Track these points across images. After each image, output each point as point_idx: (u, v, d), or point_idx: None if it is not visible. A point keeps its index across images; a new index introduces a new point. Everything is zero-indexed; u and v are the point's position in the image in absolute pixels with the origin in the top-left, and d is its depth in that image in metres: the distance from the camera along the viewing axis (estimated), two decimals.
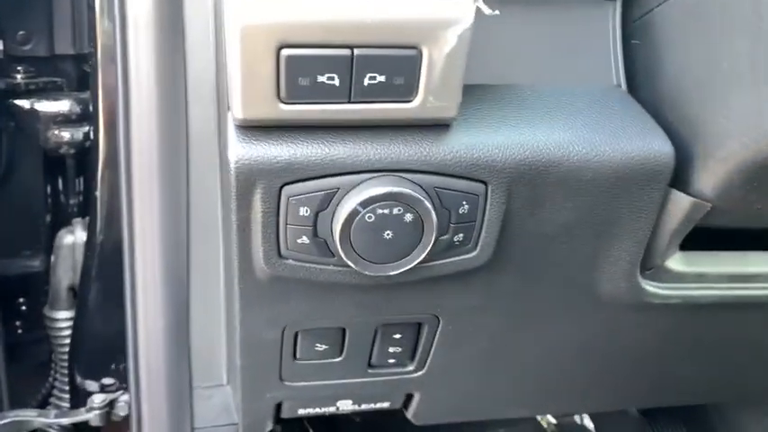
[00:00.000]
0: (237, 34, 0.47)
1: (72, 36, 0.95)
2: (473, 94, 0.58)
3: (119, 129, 0.66)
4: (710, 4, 0.56)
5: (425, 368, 0.74)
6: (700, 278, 0.70)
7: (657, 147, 0.58)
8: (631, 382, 0.86)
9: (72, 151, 0.93)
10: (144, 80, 0.62)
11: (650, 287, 0.69)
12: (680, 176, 0.60)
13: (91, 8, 0.81)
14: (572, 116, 0.59)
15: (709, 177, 0.58)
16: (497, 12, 0.52)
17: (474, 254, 0.60)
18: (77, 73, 0.97)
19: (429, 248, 0.56)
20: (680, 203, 0.61)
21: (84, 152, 0.95)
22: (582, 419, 1.37)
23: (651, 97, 0.62)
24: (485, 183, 0.56)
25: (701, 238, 0.68)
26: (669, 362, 0.83)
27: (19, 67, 0.91)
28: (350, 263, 0.55)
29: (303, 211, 0.54)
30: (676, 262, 0.69)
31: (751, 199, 0.61)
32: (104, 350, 0.94)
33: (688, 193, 0.61)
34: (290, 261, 0.57)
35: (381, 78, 0.50)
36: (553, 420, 1.34)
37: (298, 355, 0.69)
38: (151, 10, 0.60)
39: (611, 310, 0.71)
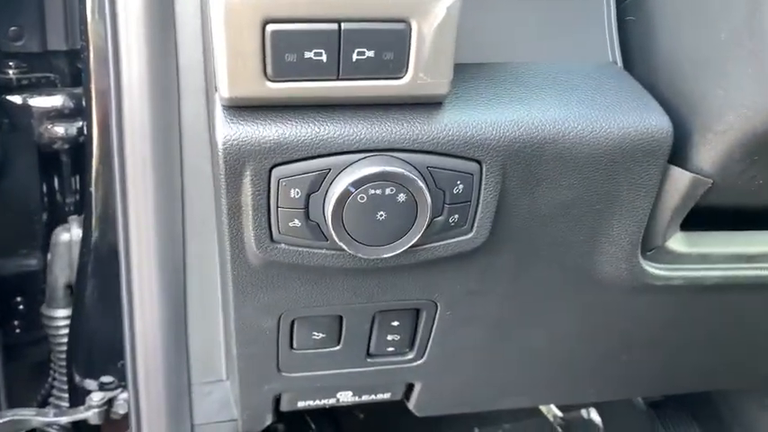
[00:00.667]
0: (221, 10, 0.46)
1: (64, 32, 0.94)
2: (466, 72, 0.57)
3: (111, 123, 0.65)
4: None
5: (425, 356, 0.72)
6: (702, 258, 0.69)
7: (655, 122, 0.57)
8: (635, 368, 0.84)
9: (66, 146, 0.93)
10: (135, 74, 0.62)
11: (652, 268, 0.67)
12: (679, 152, 0.59)
13: (82, 3, 0.80)
14: (567, 92, 0.58)
15: (709, 152, 0.57)
16: None
17: (470, 235, 0.59)
18: (70, 68, 0.96)
19: (423, 230, 0.55)
20: (679, 180, 0.60)
21: (79, 148, 0.95)
22: (589, 413, 1.36)
23: (647, 73, 0.61)
24: (479, 162, 0.55)
25: (701, 219, 0.67)
26: (673, 347, 0.82)
27: (11, 63, 0.91)
28: (343, 245, 0.54)
29: (294, 192, 0.53)
30: (678, 242, 0.68)
31: (751, 173, 0.60)
32: (102, 348, 0.93)
33: (687, 170, 0.60)
34: (283, 245, 0.56)
35: (370, 53, 0.49)
36: (559, 413, 1.32)
37: (295, 345, 0.68)
38: (141, 3, 0.60)
39: (612, 292, 0.70)
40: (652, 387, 0.95)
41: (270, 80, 0.49)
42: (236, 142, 0.51)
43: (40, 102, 0.90)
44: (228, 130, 0.51)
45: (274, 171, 0.52)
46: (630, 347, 0.80)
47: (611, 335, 0.77)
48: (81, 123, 0.91)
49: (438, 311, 0.68)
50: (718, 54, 0.55)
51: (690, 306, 0.74)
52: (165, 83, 0.62)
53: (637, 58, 0.62)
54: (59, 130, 0.91)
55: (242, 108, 0.51)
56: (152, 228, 0.68)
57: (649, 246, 0.67)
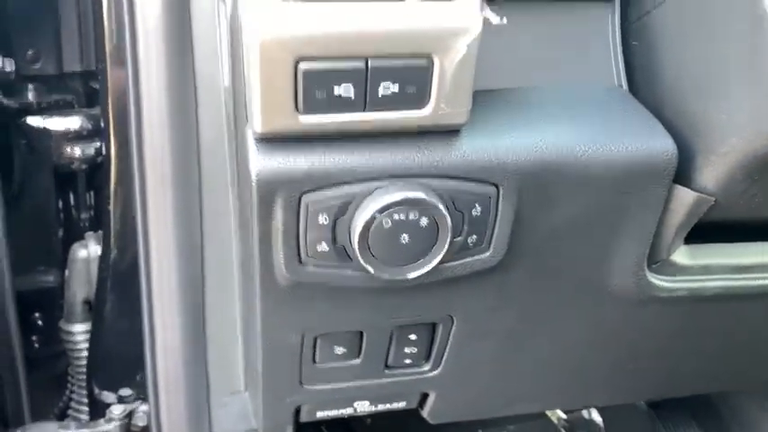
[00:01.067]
0: (257, 49, 0.48)
1: (79, 53, 0.96)
2: (481, 98, 0.60)
3: (131, 143, 0.67)
4: (709, 5, 0.58)
5: (441, 367, 0.75)
6: (704, 270, 0.72)
7: (660, 145, 0.60)
8: (641, 374, 0.87)
9: (84, 167, 0.95)
10: (155, 94, 0.64)
11: (657, 280, 0.71)
12: (683, 172, 0.62)
13: (98, 24, 0.82)
14: (577, 117, 0.61)
15: (712, 172, 0.60)
16: (505, 20, 0.53)
17: (487, 254, 0.62)
18: (86, 89, 0.98)
19: (444, 251, 0.58)
20: (684, 199, 0.63)
21: (96, 167, 0.97)
22: (590, 413, 1.39)
23: (652, 96, 0.64)
24: (496, 185, 0.58)
25: (703, 231, 0.70)
26: (677, 353, 0.85)
27: (30, 86, 0.93)
28: (368, 267, 0.57)
29: (322, 218, 0.56)
30: (681, 255, 0.71)
31: (752, 192, 0.63)
32: (122, 361, 0.96)
33: (691, 189, 0.63)
34: (311, 267, 0.59)
35: (395, 88, 0.52)
36: (563, 415, 1.35)
37: (317, 359, 0.71)
38: (160, 25, 0.62)
39: (620, 303, 0.73)
40: (656, 391, 0.98)
41: (301, 114, 0.52)
42: (268, 173, 0.53)
43: (58, 124, 0.92)
44: (262, 162, 0.53)
45: (303, 198, 0.55)
46: (637, 355, 0.83)
47: (618, 343, 0.80)
48: (99, 143, 0.94)
49: (454, 325, 0.71)
50: (721, 79, 0.58)
51: (693, 315, 0.77)
52: (184, 102, 0.65)
53: (641, 81, 0.65)
54: (77, 151, 0.93)
55: (273, 140, 0.54)
56: (171, 242, 0.70)
57: (655, 259, 0.70)
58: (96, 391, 0.98)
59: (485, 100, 0.61)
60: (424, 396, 0.82)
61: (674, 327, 0.79)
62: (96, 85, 0.97)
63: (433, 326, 0.71)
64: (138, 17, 0.62)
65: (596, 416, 1.39)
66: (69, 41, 0.96)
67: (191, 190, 0.69)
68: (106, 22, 0.79)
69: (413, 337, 0.72)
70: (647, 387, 0.93)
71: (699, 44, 0.59)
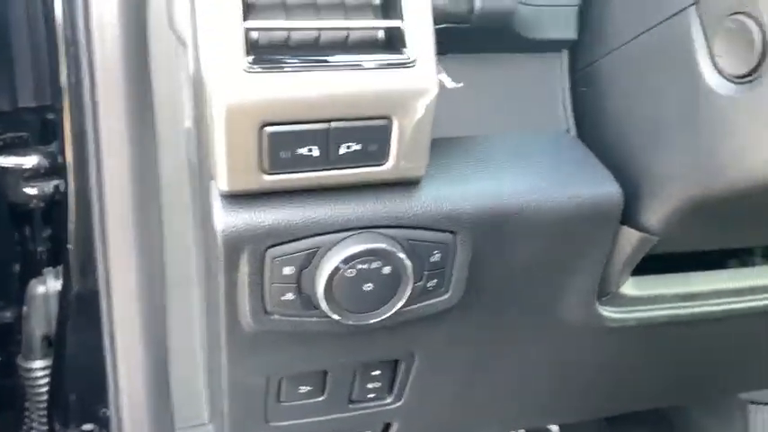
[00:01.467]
0: (222, 115, 0.50)
1: (34, 88, 0.95)
2: (439, 147, 0.63)
3: (91, 181, 0.67)
4: (648, 57, 0.61)
5: (403, 399, 0.78)
6: (652, 300, 0.76)
7: (606, 191, 0.63)
8: (596, 394, 0.91)
9: (42, 204, 0.94)
10: (115, 134, 0.64)
11: (607, 312, 0.74)
12: (628, 214, 0.66)
13: (53, 60, 0.81)
14: (528, 165, 0.64)
15: (655, 214, 0.64)
16: (461, 84, 0.56)
17: (446, 296, 0.64)
18: (41, 125, 0.98)
19: (406, 297, 0.60)
20: (630, 238, 0.67)
21: (53, 203, 0.96)
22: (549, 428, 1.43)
23: (599, 141, 0.67)
24: (453, 232, 0.61)
25: (652, 261, 0.74)
26: (630, 374, 0.90)
27: None
28: (333, 315, 0.59)
29: (287, 270, 0.57)
30: (630, 287, 0.75)
31: (690, 230, 0.67)
32: (84, 397, 0.95)
33: (637, 229, 0.66)
34: (276, 316, 0.60)
35: (356, 147, 0.54)
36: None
37: (282, 398, 0.72)
38: (119, 61, 0.62)
39: (573, 333, 0.76)
40: (612, 408, 1.02)
41: (265, 173, 0.53)
42: (233, 229, 0.55)
43: (14, 161, 0.91)
44: (227, 219, 0.55)
45: (269, 252, 0.56)
46: (592, 377, 0.87)
47: (574, 369, 0.83)
48: (57, 181, 0.93)
49: (416, 361, 0.73)
50: (661, 130, 0.61)
51: (643, 341, 0.81)
52: (144, 141, 0.65)
53: (589, 127, 0.69)
54: (34, 189, 0.92)
55: (238, 196, 0.55)
56: (133, 280, 0.71)
57: (604, 292, 0.74)
58: (57, 427, 0.98)
59: (442, 149, 0.63)
60: (387, 425, 0.84)
61: (626, 352, 0.83)
62: (52, 120, 0.96)
63: (396, 362, 0.74)
64: (96, 55, 0.62)
65: (554, 427, 1.44)
66: (23, 76, 0.95)
67: (152, 229, 0.69)
68: (63, 57, 0.79)
69: (376, 372, 0.74)
70: (603, 405, 0.97)
71: (641, 96, 0.63)
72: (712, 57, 0.54)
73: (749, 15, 0.50)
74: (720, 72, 0.53)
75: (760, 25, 0.49)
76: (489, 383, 0.81)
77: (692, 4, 0.55)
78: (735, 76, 0.52)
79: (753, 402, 1.19)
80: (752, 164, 0.53)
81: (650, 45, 0.60)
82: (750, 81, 0.51)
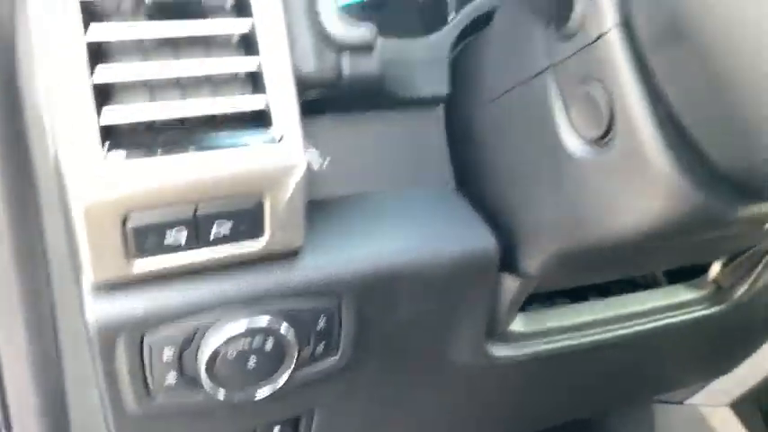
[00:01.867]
0: (81, 212, 0.48)
1: None
2: (318, 211, 0.63)
3: None
4: (513, 115, 0.63)
5: None
6: (542, 334, 0.79)
7: (482, 244, 0.65)
8: (500, 423, 0.94)
9: None
10: None
11: (498, 351, 0.76)
12: (508, 261, 0.68)
13: None
14: (407, 223, 0.65)
15: (531, 262, 0.66)
16: (325, 165, 0.56)
17: (336, 358, 0.64)
18: None
19: (291, 368, 0.60)
20: (511, 284, 0.69)
21: None
22: None
23: (477, 193, 0.69)
24: (337, 297, 0.61)
25: (537, 298, 0.77)
26: (531, 400, 0.93)
27: None
28: (218, 395, 0.58)
29: (167, 353, 0.56)
30: (518, 324, 0.77)
31: (566, 272, 0.70)
32: None
33: (517, 275, 0.69)
34: (160, 399, 0.59)
35: (227, 225, 0.53)
36: None
37: None
38: None
39: (467, 373, 0.78)
40: (517, 429, 1.05)
41: (135, 259, 0.52)
42: (106, 320, 0.53)
43: None
44: (98, 310, 0.53)
45: (146, 338, 0.55)
46: (495, 407, 0.89)
47: (474, 406, 0.85)
48: None
49: (316, 416, 0.73)
50: (527, 184, 0.63)
51: (537, 372, 0.84)
52: (24, 203, 0.62)
53: (467, 180, 0.70)
54: None
55: (108, 285, 0.54)
56: (24, 354, 0.67)
57: (494, 332, 0.75)
58: None
59: (322, 212, 0.63)
60: None
61: (522, 383, 0.86)
62: None
63: (297, 419, 0.73)
64: None
65: None
66: None
67: (40, 299, 0.66)
68: None
69: (276, 430, 0.73)
70: (509, 428, 1.00)
71: (510, 152, 0.64)
72: (570, 119, 0.56)
73: (598, 80, 0.52)
74: (577, 134, 0.55)
75: (607, 92, 0.52)
76: (391, 426, 0.82)
77: (548, 68, 0.56)
78: (589, 139, 0.54)
79: (660, 402, 1.25)
80: (610, 222, 0.55)
81: (514, 104, 0.61)
82: (605, 143, 0.53)
